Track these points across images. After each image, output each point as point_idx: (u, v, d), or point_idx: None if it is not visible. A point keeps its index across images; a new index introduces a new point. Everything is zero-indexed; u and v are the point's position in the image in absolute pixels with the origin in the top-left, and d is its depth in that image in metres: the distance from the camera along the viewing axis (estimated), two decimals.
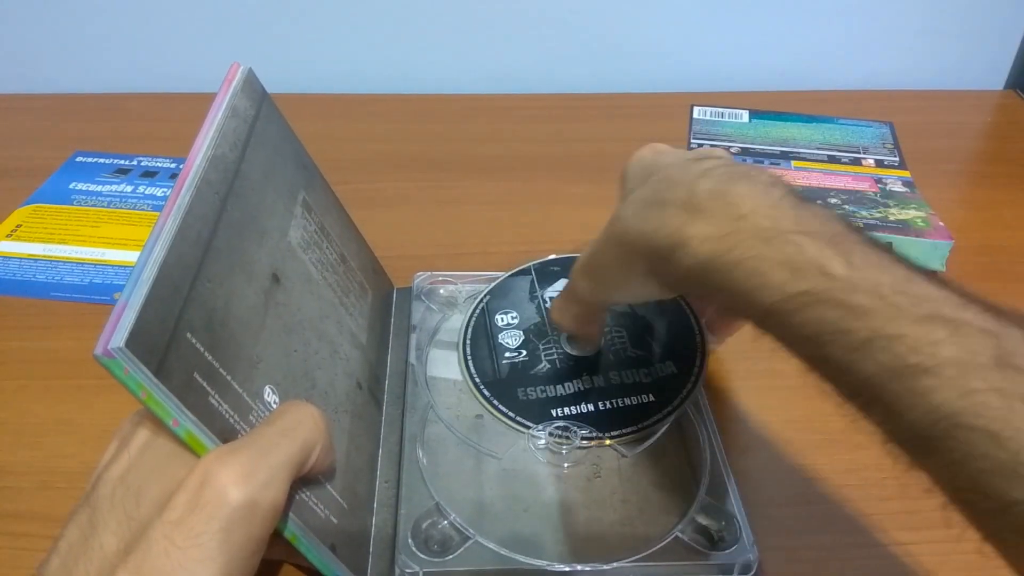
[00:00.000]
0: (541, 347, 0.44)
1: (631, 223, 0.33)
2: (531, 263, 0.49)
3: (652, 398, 0.42)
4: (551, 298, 0.46)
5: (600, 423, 0.41)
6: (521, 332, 0.45)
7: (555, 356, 0.44)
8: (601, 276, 0.37)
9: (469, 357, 0.44)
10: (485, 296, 0.48)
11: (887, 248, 0.28)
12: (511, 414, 0.41)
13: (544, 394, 0.42)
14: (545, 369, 0.43)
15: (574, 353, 0.44)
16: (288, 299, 0.36)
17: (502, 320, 0.46)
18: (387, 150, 0.70)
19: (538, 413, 0.41)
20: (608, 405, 0.42)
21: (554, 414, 0.41)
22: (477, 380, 0.43)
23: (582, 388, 0.42)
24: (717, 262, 0.29)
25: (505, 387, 0.43)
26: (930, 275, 0.27)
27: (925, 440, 0.24)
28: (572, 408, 0.41)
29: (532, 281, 0.48)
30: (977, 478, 0.23)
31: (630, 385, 0.42)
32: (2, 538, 0.39)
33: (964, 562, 0.38)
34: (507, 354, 0.44)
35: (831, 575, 0.38)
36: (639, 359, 0.44)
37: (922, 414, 0.24)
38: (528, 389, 0.42)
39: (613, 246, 0.35)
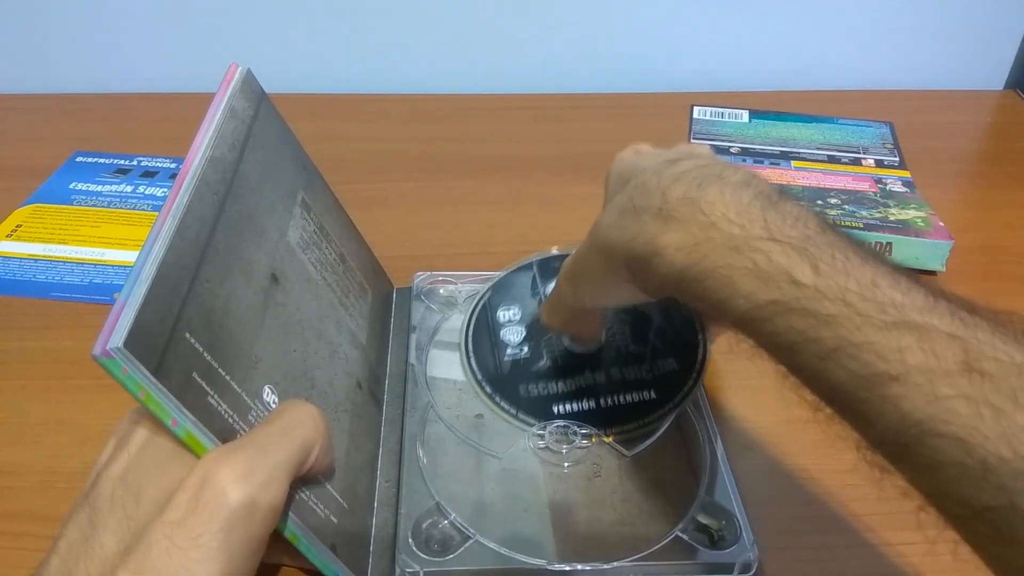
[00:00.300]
0: (543, 343, 0.44)
1: (610, 231, 0.33)
2: (533, 258, 0.49)
3: (653, 395, 0.42)
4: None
5: (602, 420, 0.41)
6: (523, 328, 0.45)
7: (557, 352, 0.44)
8: (584, 282, 0.37)
9: (471, 354, 0.44)
10: (487, 292, 0.48)
11: (859, 244, 0.27)
12: (513, 411, 0.41)
13: (546, 391, 0.42)
14: (547, 365, 0.43)
15: (575, 350, 0.44)
16: (287, 299, 0.36)
17: (504, 316, 0.46)
18: (387, 150, 0.70)
19: (540, 410, 0.41)
20: (610, 402, 0.42)
21: (556, 411, 0.41)
22: (479, 377, 0.43)
23: (584, 384, 0.42)
24: (691, 271, 0.29)
25: (507, 384, 0.43)
26: (900, 274, 0.26)
27: (897, 447, 0.24)
28: (574, 404, 0.41)
29: (534, 277, 0.48)
30: (948, 484, 0.23)
31: (632, 381, 0.42)
32: (2, 538, 0.39)
33: (963, 561, 0.38)
34: (509, 351, 0.44)
35: (831, 575, 0.38)
36: (641, 355, 0.44)
37: (892, 421, 0.24)
38: (530, 386, 0.42)
39: (594, 253, 0.34)
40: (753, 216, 0.28)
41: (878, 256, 0.27)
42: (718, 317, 0.29)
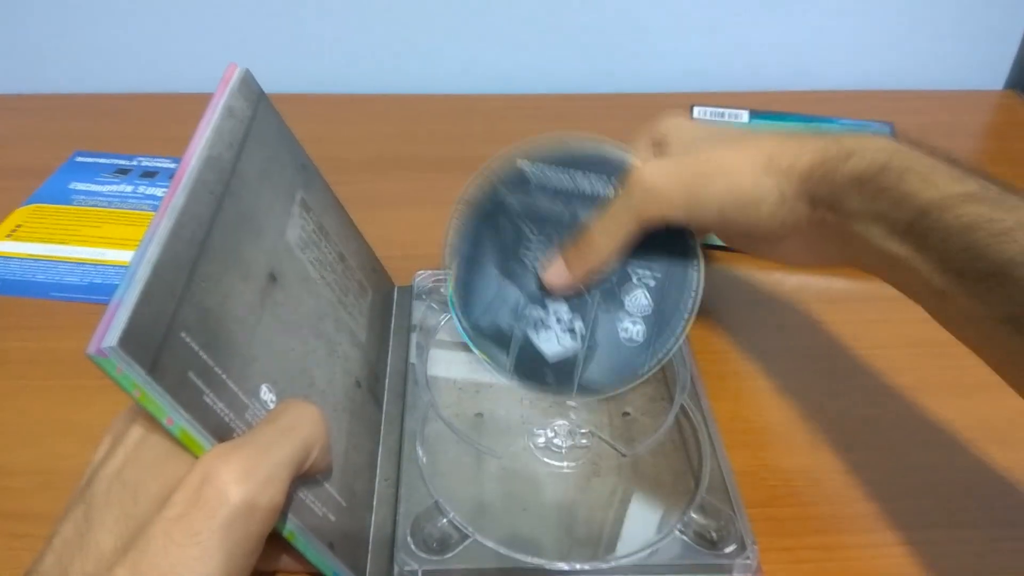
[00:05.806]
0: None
1: (775, 147, 0.39)
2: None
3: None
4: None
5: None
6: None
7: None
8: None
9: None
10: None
11: None
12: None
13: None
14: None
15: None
16: (285, 298, 0.36)
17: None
18: (387, 150, 0.70)
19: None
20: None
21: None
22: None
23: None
24: (894, 163, 0.34)
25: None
26: None
27: None
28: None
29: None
30: None
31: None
32: (2, 538, 0.39)
33: (962, 561, 0.38)
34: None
35: (831, 575, 0.38)
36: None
37: None
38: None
39: (738, 174, 0.39)
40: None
41: None
42: (893, 212, 0.34)
